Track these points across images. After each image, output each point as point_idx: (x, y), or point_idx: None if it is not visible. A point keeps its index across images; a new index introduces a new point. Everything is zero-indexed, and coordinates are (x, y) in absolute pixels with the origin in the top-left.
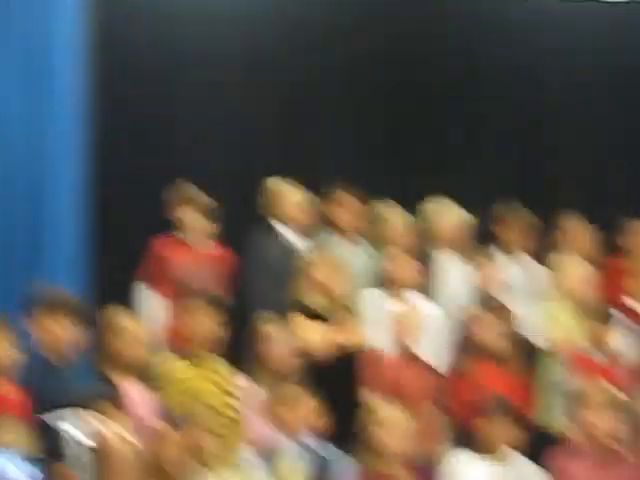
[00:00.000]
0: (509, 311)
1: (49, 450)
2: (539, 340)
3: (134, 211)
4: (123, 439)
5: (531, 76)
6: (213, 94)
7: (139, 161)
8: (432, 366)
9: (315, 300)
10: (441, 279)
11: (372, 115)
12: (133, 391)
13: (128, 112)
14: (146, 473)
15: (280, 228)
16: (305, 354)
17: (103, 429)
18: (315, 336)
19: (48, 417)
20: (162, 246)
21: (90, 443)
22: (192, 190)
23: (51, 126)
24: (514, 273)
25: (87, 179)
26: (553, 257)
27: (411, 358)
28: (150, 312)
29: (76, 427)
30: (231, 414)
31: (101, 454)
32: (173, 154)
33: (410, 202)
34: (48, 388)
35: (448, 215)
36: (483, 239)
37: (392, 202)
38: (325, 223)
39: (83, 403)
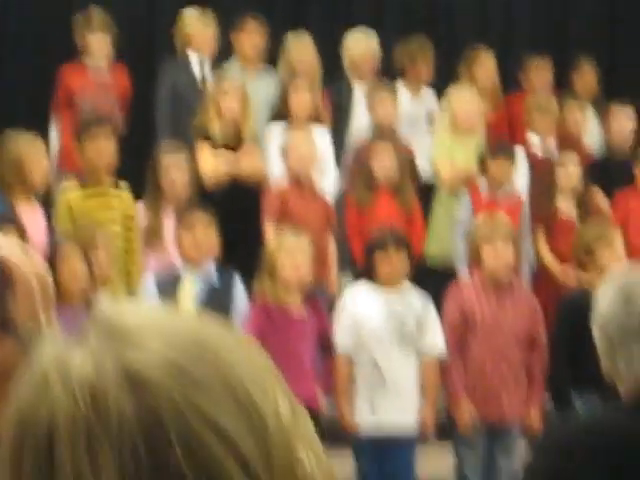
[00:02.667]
0: (405, 144)
1: None
2: (437, 174)
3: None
4: (24, 253)
5: None
6: None
7: None
8: (326, 196)
9: (221, 129)
10: (349, 110)
11: None
12: (32, 215)
13: None
14: (44, 291)
15: (191, 57)
16: (207, 182)
17: (1, 243)
18: (219, 165)
19: None
20: (67, 75)
21: None
22: (103, 15)
23: None
24: (417, 107)
25: None
26: (451, 90)
27: (307, 188)
28: (55, 140)
29: None
30: (132, 242)
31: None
32: None
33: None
34: None
35: (366, 45)
36: (392, 73)
37: (303, 32)
38: (234, 52)
39: None
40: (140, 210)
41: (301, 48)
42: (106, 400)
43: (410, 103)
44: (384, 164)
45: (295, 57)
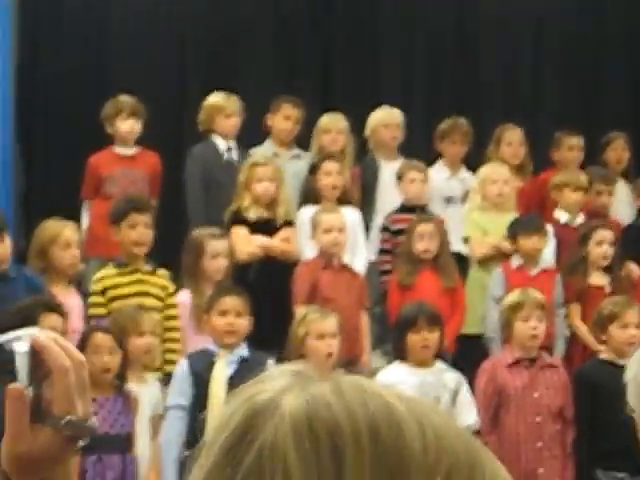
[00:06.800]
0: (442, 222)
1: (3, 371)
2: (470, 251)
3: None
4: (59, 343)
5: None
6: (148, 7)
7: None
8: (360, 274)
9: (257, 213)
10: (375, 189)
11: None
12: (68, 301)
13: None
14: (80, 380)
15: (219, 142)
16: (242, 265)
17: (37, 333)
18: (255, 250)
19: (2, 338)
20: (97, 162)
21: (25, 348)
22: (133, 100)
23: None
24: (454, 186)
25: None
26: (483, 168)
27: (338, 268)
28: (85, 226)
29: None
30: (171, 320)
31: (35, 356)
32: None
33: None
34: None
35: (389, 121)
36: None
37: (337, 113)
38: (267, 135)
39: (26, 314)
40: (184, 296)
41: (335, 129)
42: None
43: (447, 182)
44: (425, 245)
45: (328, 138)
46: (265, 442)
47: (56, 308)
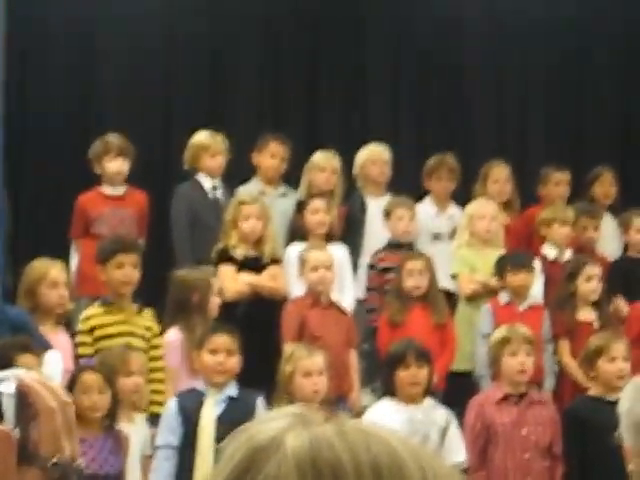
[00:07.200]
0: (429, 259)
1: None
2: (458, 287)
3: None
4: (45, 384)
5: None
6: (134, 45)
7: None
8: (348, 312)
9: (244, 252)
10: (368, 225)
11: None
12: (55, 341)
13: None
14: (66, 421)
15: (205, 180)
16: (230, 303)
17: (23, 375)
18: (242, 288)
19: None
20: (85, 202)
21: (11, 390)
22: (120, 140)
23: None
24: (442, 223)
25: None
26: (470, 205)
27: (326, 305)
28: (74, 267)
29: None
30: (157, 360)
31: (21, 398)
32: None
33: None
34: None
35: (377, 157)
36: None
37: (329, 151)
38: (254, 172)
39: (1, 354)
40: (174, 335)
41: (330, 168)
42: None
43: (435, 218)
44: (415, 279)
45: (322, 177)
46: (268, 476)
47: (32, 348)
